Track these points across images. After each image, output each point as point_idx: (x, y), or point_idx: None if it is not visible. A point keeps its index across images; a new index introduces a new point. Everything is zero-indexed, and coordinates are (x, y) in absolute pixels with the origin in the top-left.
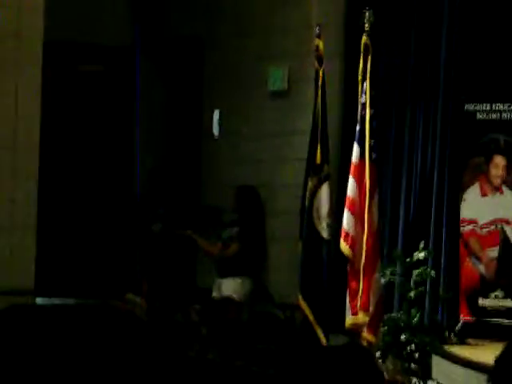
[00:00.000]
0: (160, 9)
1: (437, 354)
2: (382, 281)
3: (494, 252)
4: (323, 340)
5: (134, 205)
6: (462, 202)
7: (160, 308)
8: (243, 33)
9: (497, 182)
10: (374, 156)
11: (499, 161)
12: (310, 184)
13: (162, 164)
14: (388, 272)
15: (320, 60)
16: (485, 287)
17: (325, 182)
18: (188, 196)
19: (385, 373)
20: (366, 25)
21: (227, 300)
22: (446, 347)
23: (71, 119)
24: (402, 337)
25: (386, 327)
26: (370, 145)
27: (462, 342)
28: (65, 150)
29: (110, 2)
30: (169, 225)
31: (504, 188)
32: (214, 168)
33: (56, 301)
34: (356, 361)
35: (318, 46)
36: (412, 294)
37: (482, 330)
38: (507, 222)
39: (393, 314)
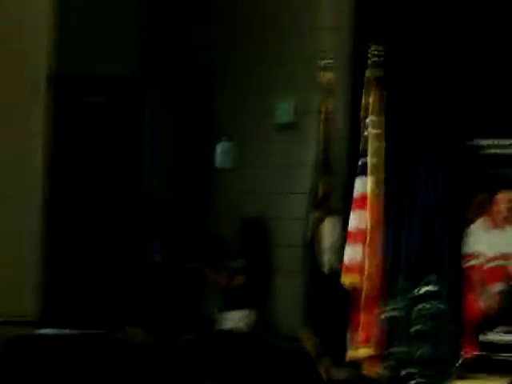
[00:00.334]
0: (169, 39)
1: None
2: (385, 314)
3: (497, 287)
4: (329, 373)
5: (138, 236)
6: (466, 237)
7: (160, 338)
8: (252, 64)
9: (501, 217)
10: (386, 189)
11: (503, 196)
12: (313, 217)
13: (169, 194)
14: (391, 306)
15: (328, 92)
16: (488, 322)
17: (328, 215)
18: (195, 226)
19: None
20: (372, 58)
21: (229, 332)
22: (449, 382)
23: (76, 151)
24: (405, 371)
25: (389, 361)
26: (381, 178)
27: (465, 376)
28: (70, 180)
29: (117, 32)
30: (172, 256)
31: (508, 224)
32: (221, 199)
33: (58, 331)
34: None
35: (326, 78)
36: (415, 328)
37: (485, 365)
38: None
39: (396, 348)
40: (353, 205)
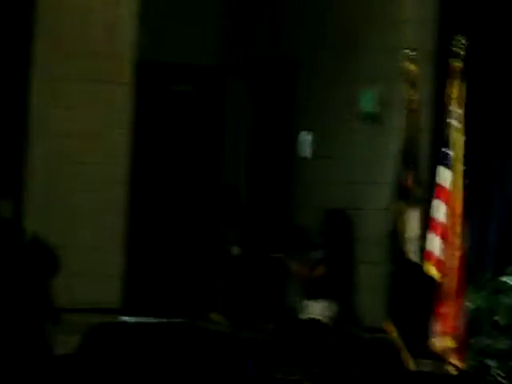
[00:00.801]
0: (253, 28)
1: None
2: (467, 306)
3: None
4: (411, 364)
5: (218, 226)
6: None
7: (241, 326)
8: (336, 54)
9: None
10: (466, 182)
11: None
12: (398, 207)
13: (249, 185)
14: (473, 297)
15: (412, 83)
16: None
17: (414, 205)
18: (277, 217)
19: None
20: (456, 50)
21: (314, 322)
22: None
23: (161, 139)
24: (489, 363)
25: (470, 353)
26: (462, 170)
27: None
28: (154, 170)
29: (202, 21)
30: (251, 246)
31: None
32: (304, 190)
33: (141, 319)
34: None
35: (410, 70)
36: (496, 319)
37: None
38: None
39: (477, 340)
40: (435, 195)
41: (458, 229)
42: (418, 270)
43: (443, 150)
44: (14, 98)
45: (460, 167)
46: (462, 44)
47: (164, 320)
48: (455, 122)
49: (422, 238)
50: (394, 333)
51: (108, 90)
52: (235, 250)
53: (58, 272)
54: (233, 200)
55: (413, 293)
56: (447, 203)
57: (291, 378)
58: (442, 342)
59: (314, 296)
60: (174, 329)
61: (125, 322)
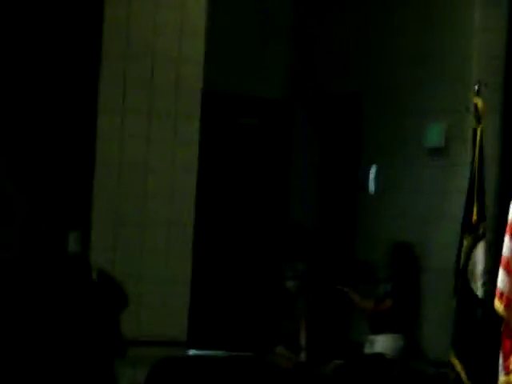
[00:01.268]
0: (319, 62)
1: None
2: None
3: None
4: None
5: (285, 260)
6: None
7: (308, 362)
8: (402, 88)
9: None
10: None
11: None
12: (465, 242)
13: (315, 219)
14: None
15: (478, 118)
16: None
17: (480, 240)
18: (342, 251)
19: None
20: None
21: (379, 356)
22: None
23: (228, 171)
24: None
25: None
26: None
27: None
28: (219, 201)
29: (270, 54)
30: (321, 280)
31: None
32: (368, 223)
33: (208, 353)
34: None
35: (476, 104)
36: None
37: None
38: None
39: None
40: (507, 231)
41: None
42: (483, 305)
43: None
44: (82, 129)
45: None
46: None
47: (229, 354)
48: None
49: (492, 273)
50: (458, 368)
51: (176, 124)
52: (290, 284)
53: (127, 306)
54: (301, 235)
55: (478, 328)
56: None
57: None
58: (507, 377)
59: (380, 330)
60: (239, 362)
61: (190, 356)
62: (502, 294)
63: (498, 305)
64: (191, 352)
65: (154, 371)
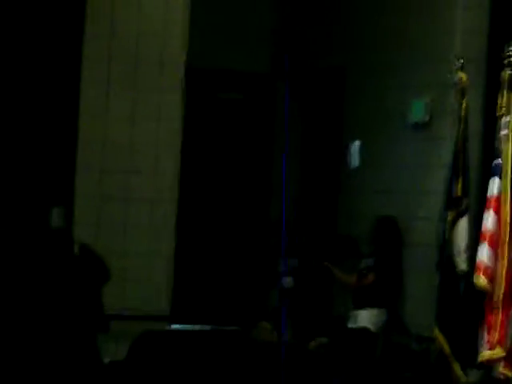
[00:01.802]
0: (302, 37)
1: None
2: None
3: None
4: (460, 374)
5: (271, 234)
6: None
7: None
8: (385, 64)
9: None
10: None
11: None
12: (448, 217)
13: (299, 194)
14: None
15: (462, 93)
16: None
17: (464, 215)
18: (325, 226)
19: None
20: (506, 59)
21: (363, 331)
22: None
23: (211, 146)
24: None
25: None
26: (511, 179)
27: None
28: (203, 175)
29: (252, 28)
30: (304, 255)
31: None
32: (352, 198)
33: (190, 327)
34: None
35: (460, 79)
36: None
37: None
38: None
39: None
40: (486, 206)
41: (507, 238)
42: (467, 279)
43: (496, 160)
44: (65, 105)
45: (509, 177)
46: None
47: (212, 328)
48: (504, 131)
49: (473, 248)
50: (442, 342)
51: (157, 98)
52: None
53: (108, 280)
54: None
55: (461, 302)
56: (497, 213)
57: None
58: (490, 351)
59: (363, 304)
60: (222, 337)
61: (172, 330)
62: (485, 268)
63: (481, 279)
64: (174, 326)
65: (135, 345)
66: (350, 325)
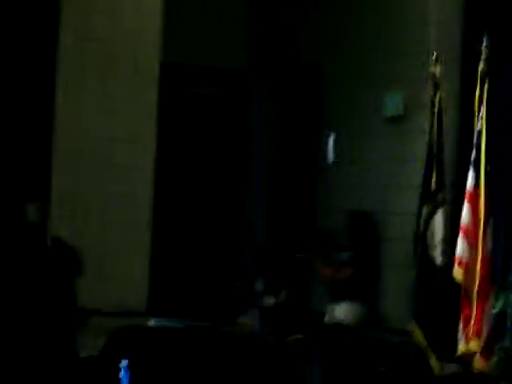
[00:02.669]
0: (279, 32)
1: None
2: (496, 309)
3: None
4: (436, 368)
5: (245, 227)
6: None
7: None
8: (360, 58)
9: None
10: (489, 183)
11: None
12: (424, 210)
13: (276, 188)
14: (500, 300)
15: (437, 86)
16: None
17: (439, 208)
18: (303, 220)
19: None
20: (482, 52)
21: (338, 326)
22: None
23: (187, 141)
24: None
25: (497, 356)
26: (486, 171)
27: None
28: (178, 170)
29: (228, 24)
30: (280, 248)
31: None
32: (328, 192)
33: (167, 322)
34: None
35: (434, 72)
36: None
37: None
38: None
39: (504, 343)
40: (466, 197)
41: (485, 231)
42: (443, 272)
43: (474, 153)
44: (39, 98)
45: (484, 169)
46: (487, 45)
47: (188, 323)
48: (480, 124)
49: (451, 241)
50: (418, 335)
51: (134, 95)
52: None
53: (81, 273)
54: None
55: (438, 296)
56: (472, 205)
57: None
58: (467, 345)
59: (340, 298)
60: (198, 332)
61: (148, 325)
62: (461, 262)
63: (458, 272)
64: (151, 322)
65: (110, 341)
66: (327, 318)
